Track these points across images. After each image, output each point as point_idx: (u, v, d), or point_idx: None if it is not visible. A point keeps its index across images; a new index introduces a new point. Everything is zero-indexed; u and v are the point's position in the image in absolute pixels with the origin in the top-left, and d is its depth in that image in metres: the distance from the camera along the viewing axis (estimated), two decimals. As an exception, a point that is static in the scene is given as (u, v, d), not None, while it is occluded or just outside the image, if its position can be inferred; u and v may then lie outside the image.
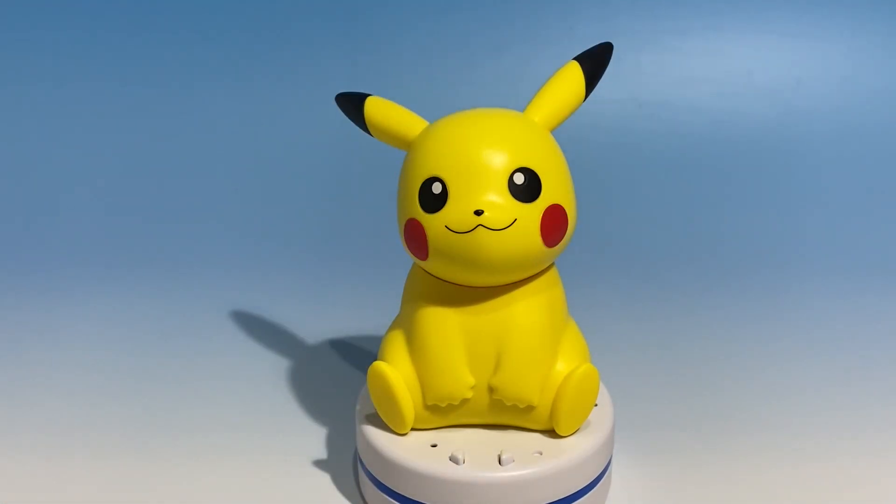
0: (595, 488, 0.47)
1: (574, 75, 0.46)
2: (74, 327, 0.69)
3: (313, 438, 0.55)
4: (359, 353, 0.65)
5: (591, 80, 0.46)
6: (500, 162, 0.42)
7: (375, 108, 0.47)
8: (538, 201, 0.42)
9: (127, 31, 0.98)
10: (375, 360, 0.46)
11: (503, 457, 0.44)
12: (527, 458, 0.45)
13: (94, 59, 0.97)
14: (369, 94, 0.47)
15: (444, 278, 0.45)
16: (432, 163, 0.43)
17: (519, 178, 0.42)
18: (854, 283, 0.74)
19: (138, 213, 0.87)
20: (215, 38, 0.98)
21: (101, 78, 0.97)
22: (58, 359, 0.65)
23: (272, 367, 0.63)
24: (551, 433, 0.46)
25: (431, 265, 0.44)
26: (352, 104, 0.48)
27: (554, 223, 0.43)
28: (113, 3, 0.98)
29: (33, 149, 0.93)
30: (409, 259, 0.47)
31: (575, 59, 0.46)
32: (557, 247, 0.44)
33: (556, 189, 0.43)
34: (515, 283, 0.45)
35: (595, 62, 0.46)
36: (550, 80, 0.46)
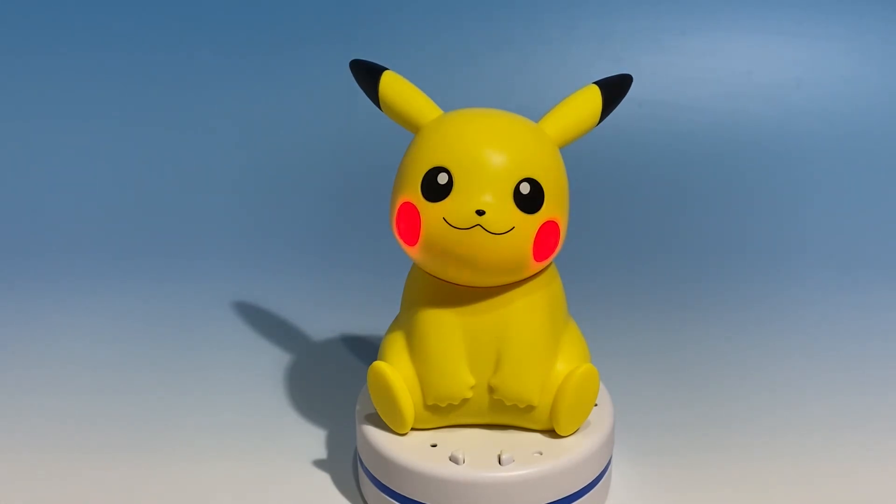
0: (595, 488, 0.47)
1: (593, 99, 0.46)
2: (75, 326, 0.69)
3: (313, 438, 0.55)
4: (359, 353, 0.65)
5: (607, 106, 0.46)
6: (510, 168, 0.42)
7: (391, 84, 0.46)
8: (538, 214, 0.42)
9: (126, 25, 0.98)
10: (375, 360, 0.46)
11: (503, 457, 0.44)
12: (527, 458, 0.45)
13: (94, 55, 0.97)
14: (387, 68, 0.47)
15: (427, 269, 0.45)
16: (443, 153, 0.43)
17: (525, 188, 0.42)
18: (854, 282, 0.74)
19: (138, 211, 0.87)
20: (217, 34, 0.98)
21: (103, 75, 0.97)
22: (58, 358, 0.65)
23: (272, 367, 0.63)
24: (551, 433, 0.46)
25: (417, 253, 0.44)
26: (367, 74, 0.47)
27: (547, 239, 0.43)
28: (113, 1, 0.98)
29: (34, 145, 0.93)
30: (409, 259, 0.47)
31: (596, 83, 0.46)
32: (544, 262, 0.44)
33: (556, 206, 0.43)
34: (515, 283, 0.45)
35: (614, 90, 0.46)
36: (569, 98, 0.46)
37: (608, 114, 0.46)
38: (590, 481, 0.46)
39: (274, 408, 0.59)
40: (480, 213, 0.41)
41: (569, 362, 0.46)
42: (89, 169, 0.92)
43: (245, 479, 0.52)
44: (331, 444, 0.55)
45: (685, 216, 0.86)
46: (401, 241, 0.44)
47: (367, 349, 0.66)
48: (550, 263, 0.47)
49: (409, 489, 0.45)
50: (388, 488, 0.46)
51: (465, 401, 0.46)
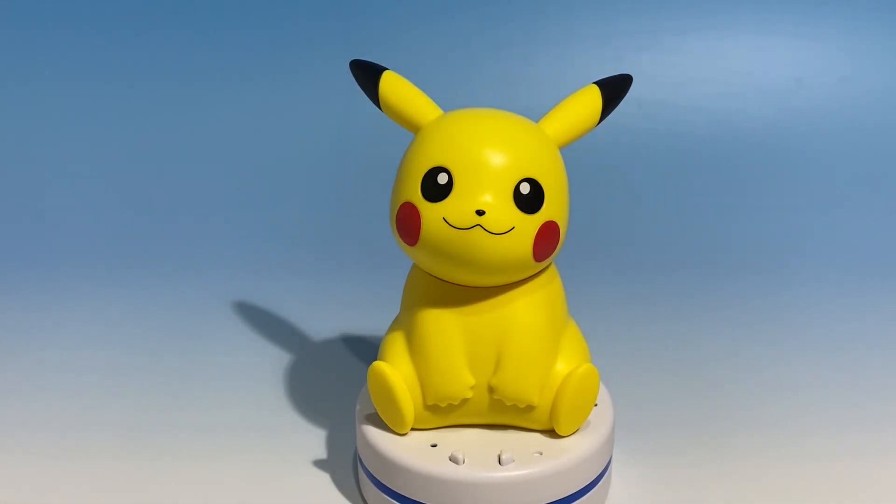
0: (595, 488, 0.47)
1: (592, 98, 0.46)
2: (74, 326, 0.69)
3: (313, 438, 0.55)
4: (359, 353, 0.65)
5: (607, 106, 0.46)
6: (510, 168, 0.42)
7: (391, 84, 0.46)
8: (538, 214, 0.43)
9: (126, 26, 0.98)
10: (375, 360, 0.46)
11: (503, 457, 0.44)
12: (527, 458, 0.45)
13: (94, 56, 0.97)
14: (386, 68, 0.47)
15: (427, 269, 0.45)
16: (443, 153, 0.43)
17: (525, 188, 0.42)
18: (854, 282, 0.74)
19: (138, 212, 0.87)
20: (215, 36, 0.98)
21: (103, 76, 0.97)
22: (57, 358, 0.65)
23: (272, 367, 0.63)
24: (551, 433, 0.46)
25: (418, 254, 0.44)
26: (367, 75, 0.47)
27: (547, 239, 0.43)
28: (114, 1, 0.98)
29: (35, 147, 0.93)
30: (409, 259, 0.47)
31: (595, 83, 0.46)
32: (543, 262, 0.44)
33: (556, 206, 0.43)
34: (515, 282, 0.45)
35: (614, 90, 0.46)
36: (569, 98, 0.46)
37: (608, 114, 0.46)
38: (590, 481, 0.46)
39: (274, 408, 0.59)
40: (480, 213, 0.41)
41: (569, 362, 0.46)
42: (87, 169, 0.92)
43: (245, 478, 0.52)
44: (331, 444, 0.55)
45: (685, 216, 0.86)
46: (401, 242, 0.44)
47: (367, 349, 0.66)
48: (550, 263, 0.47)
49: (409, 489, 0.45)
50: (388, 488, 0.46)
51: (465, 401, 0.46)
